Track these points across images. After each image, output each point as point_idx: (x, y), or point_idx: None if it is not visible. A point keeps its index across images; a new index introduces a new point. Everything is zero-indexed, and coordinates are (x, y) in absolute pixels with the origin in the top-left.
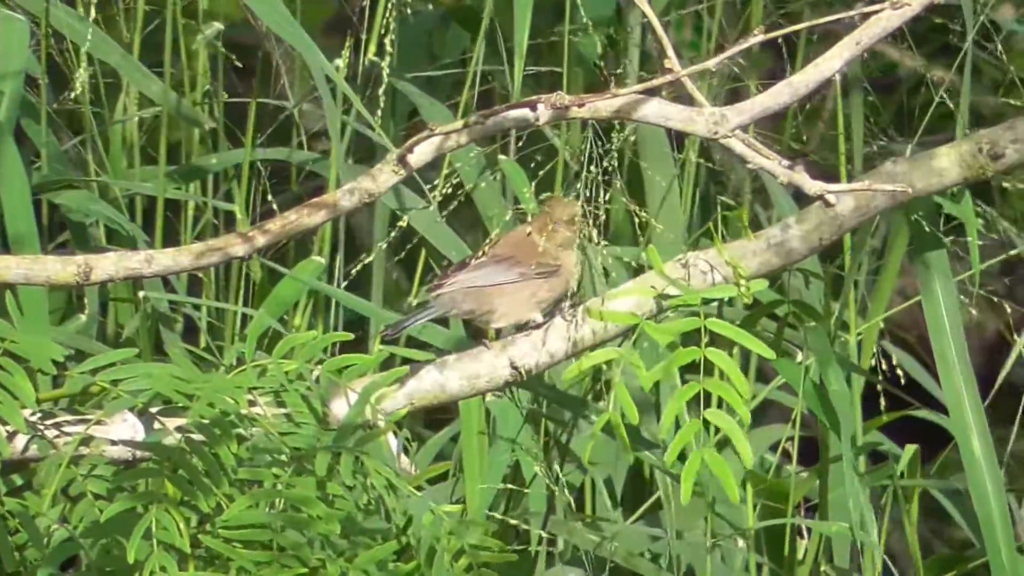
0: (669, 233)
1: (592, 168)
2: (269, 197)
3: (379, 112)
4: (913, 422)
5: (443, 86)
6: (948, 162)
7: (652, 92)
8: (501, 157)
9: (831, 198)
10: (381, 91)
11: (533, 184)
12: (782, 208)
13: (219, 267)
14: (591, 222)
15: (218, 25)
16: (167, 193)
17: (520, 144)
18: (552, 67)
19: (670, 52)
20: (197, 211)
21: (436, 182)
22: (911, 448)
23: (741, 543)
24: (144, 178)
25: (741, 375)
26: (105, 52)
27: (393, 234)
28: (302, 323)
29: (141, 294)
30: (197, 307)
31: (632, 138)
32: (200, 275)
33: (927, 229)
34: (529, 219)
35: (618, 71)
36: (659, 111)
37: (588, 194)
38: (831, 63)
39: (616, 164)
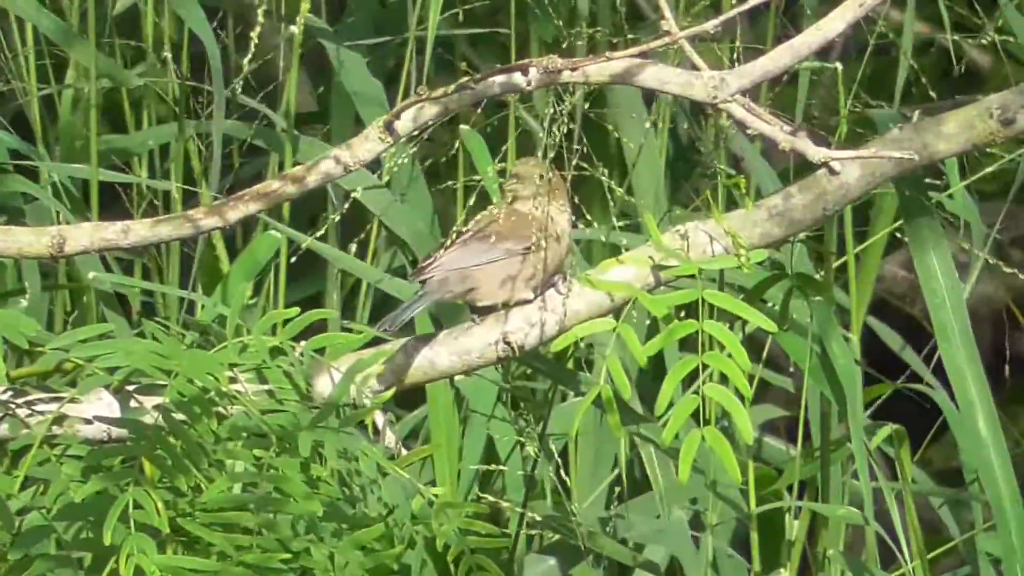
0: (645, 200)
1: (556, 131)
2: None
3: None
4: (906, 407)
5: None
6: (956, 128)
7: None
8: (463, 127)
9: (836, 165)
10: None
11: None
12: (761, 177)
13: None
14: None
15: None
16: (101, 176)
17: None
18: (506, 28)
19: (667, 13)
20: (148, 189)
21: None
22: (885, 430)
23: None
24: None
25: (741, 348)
26: (35, 18)
27: (337, 215)
28: (268, 301)
29: (92, 275)
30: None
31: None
32: (145, 261)
33: (918, 198)
34: (503, 190)
35: (576, 30)
36: (656, 75)
37: (554, 161)
38: (833, 24)
39: (578, 129)
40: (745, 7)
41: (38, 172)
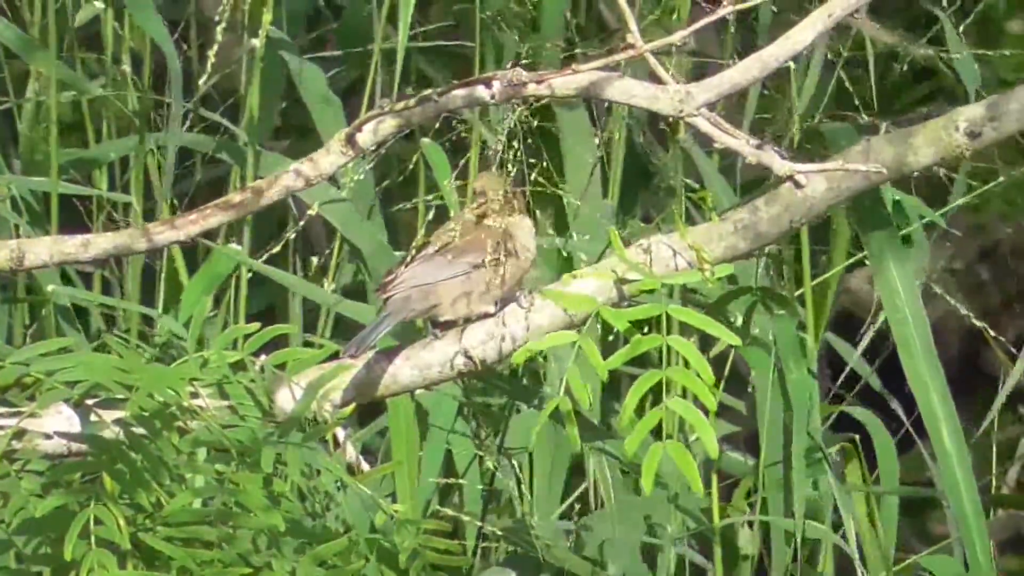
0: (594, 213)
1: (515, 144)
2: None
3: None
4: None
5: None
6: (923, 141)
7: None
8: (424, 140)
9: (801, 179)
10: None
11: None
12: (716, 192)
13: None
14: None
15: (98, 4)
16: (61, 188)
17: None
18: (469, 41)
19: (632, 26)
20: (108, 201)
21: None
22: (837, 445)
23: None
24: (60, 159)
25: (705, 363)
26: None
27: (293, 232)
28: (228, 315)
29: (51, 288)
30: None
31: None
32: (106, 274)
33: (878, 213)
34: (467, 203)
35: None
36: (623, 88)
37: (511, 175)
38: (802, 36)
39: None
40: (712, 19)
41: None
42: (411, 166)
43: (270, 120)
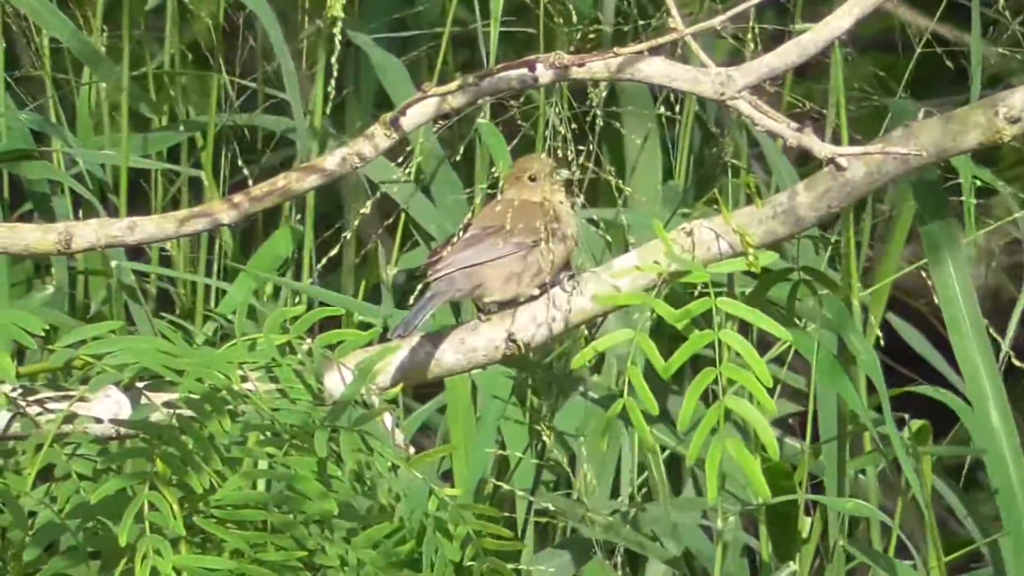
0: (642, 196)
1: (571, 127)
2: (240, 163)
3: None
4: (918, 400)
5: (417, 47)
6: (964, 126)
7: (655, 51)
8: (481, 121)
9: (842, 162)
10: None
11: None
12: (781, 174)
13: (190, 240)
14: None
15: None
16: (131, 162)
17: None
18: (530, 28)
19: (674, 11)
20: (170, 180)
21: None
22: (917, 423)
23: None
24: (113, 144)
25: (760, 360)
26: (59, 29)
27: (362, 211)
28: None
29: (114, 264)
30: (169, 280)
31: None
32: (170, 249)
33: (931, 192)
34: (505, 184)
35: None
36: (664, 71)
37: (566, 155)
38: (841, 21)
39: (592, 124)
40: (753, 3)
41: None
42: (459, 149)
43: (357, 106)
